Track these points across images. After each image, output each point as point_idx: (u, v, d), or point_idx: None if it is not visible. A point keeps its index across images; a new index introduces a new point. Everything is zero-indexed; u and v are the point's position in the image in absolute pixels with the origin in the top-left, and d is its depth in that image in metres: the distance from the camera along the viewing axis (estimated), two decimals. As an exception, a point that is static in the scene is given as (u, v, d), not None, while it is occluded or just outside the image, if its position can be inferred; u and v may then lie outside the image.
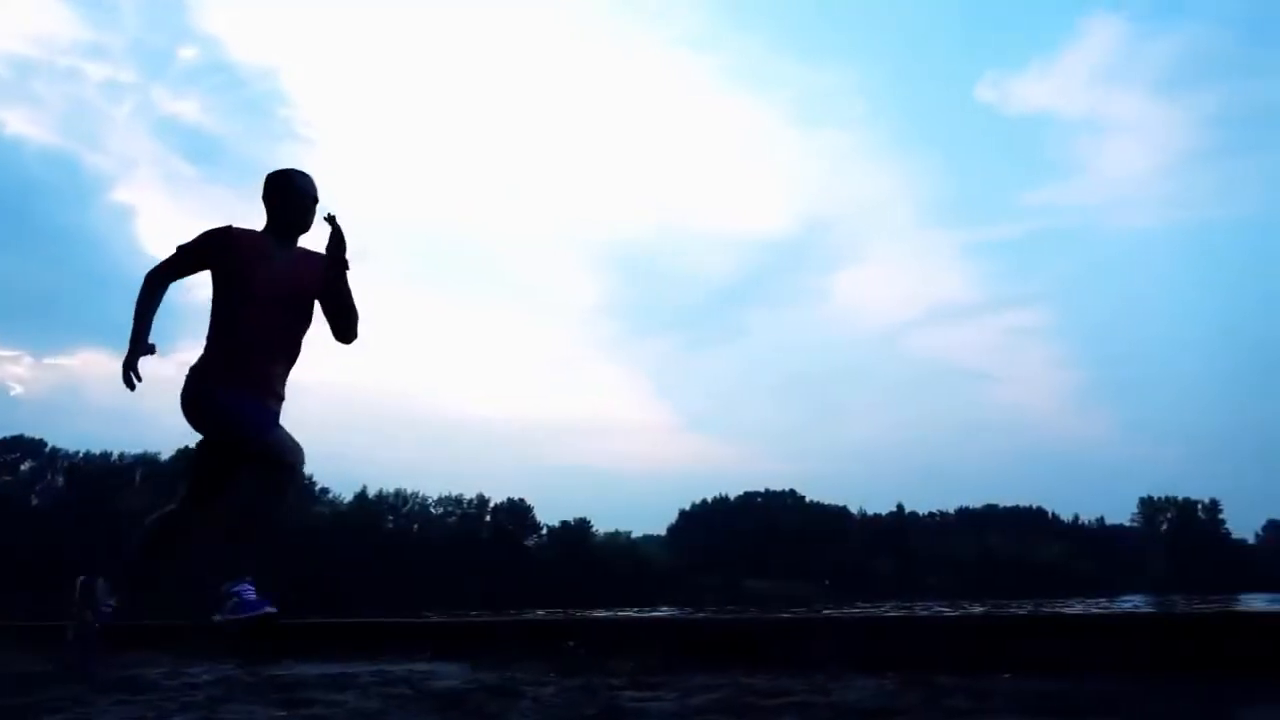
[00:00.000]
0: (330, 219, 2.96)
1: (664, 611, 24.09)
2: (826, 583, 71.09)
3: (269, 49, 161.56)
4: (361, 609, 24.86)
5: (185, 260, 2.97)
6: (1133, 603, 28.40)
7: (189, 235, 3.02)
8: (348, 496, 73.17)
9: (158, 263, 2.97)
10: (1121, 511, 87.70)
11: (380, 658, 3.01)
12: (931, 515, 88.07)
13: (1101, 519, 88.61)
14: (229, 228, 2.96)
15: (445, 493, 77.79)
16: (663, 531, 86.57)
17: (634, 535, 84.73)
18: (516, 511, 78.18)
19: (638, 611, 20.62)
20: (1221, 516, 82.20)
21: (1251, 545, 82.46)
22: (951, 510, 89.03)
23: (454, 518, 76.84)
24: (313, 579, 51.73)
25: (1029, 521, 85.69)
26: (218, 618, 2.84)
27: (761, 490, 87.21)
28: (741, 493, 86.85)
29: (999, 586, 61.01)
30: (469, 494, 77.62)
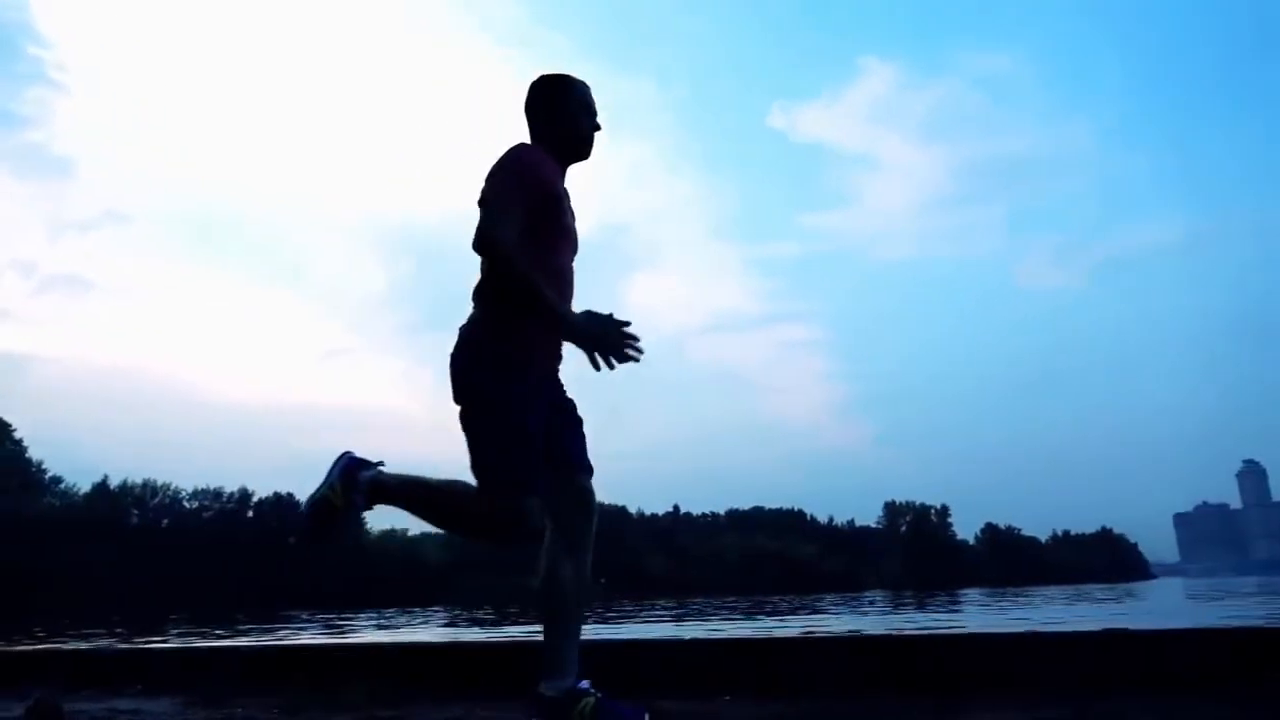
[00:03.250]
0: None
1: (436, 612, 23.54)
2: (603, 581, 72.56)
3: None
4: (95, 618, 22.34)
5: (522, 192, 2.06)
6: (872, 598, 31.44)
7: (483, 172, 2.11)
8: (85, 486, 65.68)
9: (492, 225, 2.00)
10: (869, 514, 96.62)
11: (81, 692, 2.71)
12: (704, 516, 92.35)
13: (852, 521, 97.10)
14: (538, 146, 2.20)
15: (202, 484, 71.81)
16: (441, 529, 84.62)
17: (411, 533, 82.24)
18: (284, 506, 73.39)
19: (404, 615, 20.00)
20: (950, 520, 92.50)
21: (971, 545, 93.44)
22: (722, 511, 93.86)
23: (211, 512, 70.96)
24: (39, 583, 45.91)
25: (790, 522, 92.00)
26: None
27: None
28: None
29: (762, 583, 65.15)
30: (230, 486, 72.12)
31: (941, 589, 50.76)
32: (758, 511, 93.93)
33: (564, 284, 2.16)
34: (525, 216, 2.05)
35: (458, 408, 2.07)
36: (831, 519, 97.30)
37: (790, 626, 10.78)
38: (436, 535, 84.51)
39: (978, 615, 12.22)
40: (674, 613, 18.24)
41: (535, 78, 2.28)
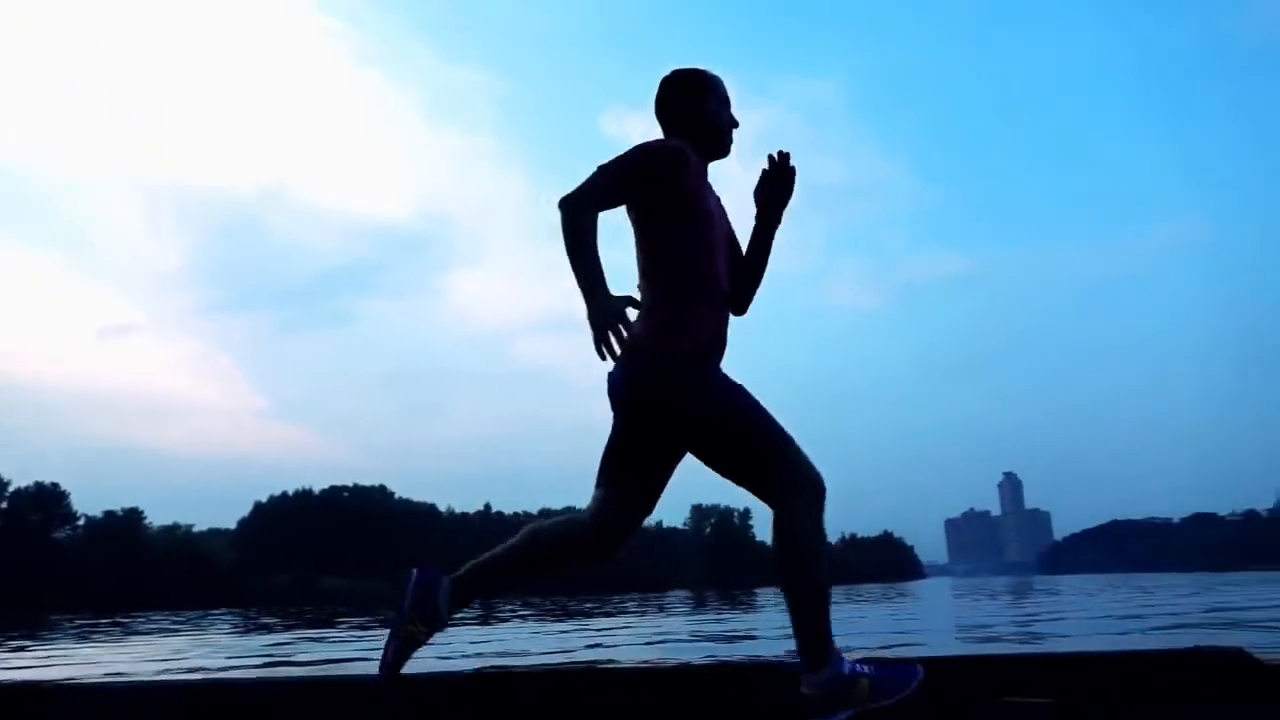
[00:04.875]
0: (784, 156, 2.20)
1: (220, 616, 21.87)
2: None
3: None
4: None
5: (625, 182, 2.00)
6: (679, 595, 32.51)
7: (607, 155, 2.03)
8: None
9: (577, 189, 1.95)
10: (676, 516, 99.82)
11: None
12: (516, 515, 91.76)
13: (660, 522, 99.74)
14: (683, 145, 2.08)
15: (-56, 472, 63.25)
16: (232, 525, 79.05)
17: (197, 529, 76.30)
18: (45, 498, 65.94)
19: (180, 618, 18.42)
20: (751, 523, 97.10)
21: (770, 546, 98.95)
22: (535, 510, 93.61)
23: (-47, 503, 62.58)
24: None
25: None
26: (846, 713, 1.84)
27: (349, 485, 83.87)
28: (327, 486, 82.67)
29: (570, 584, 65.56)
30: (-21, 475, 63.94)
31: (740, 589, 53.30)
32: (570, 511, 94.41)
33: (722, 287, 2.09)
34: (642, 201, 2.04)
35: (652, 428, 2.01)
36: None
37: (577, 635, 10.87)
38: (227, 531, 78.53)
39: (768, 617, 12.84)
40: (478, 614, 17.97)
41: (668, 72, 2.21)
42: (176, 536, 72.08)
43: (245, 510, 79.32)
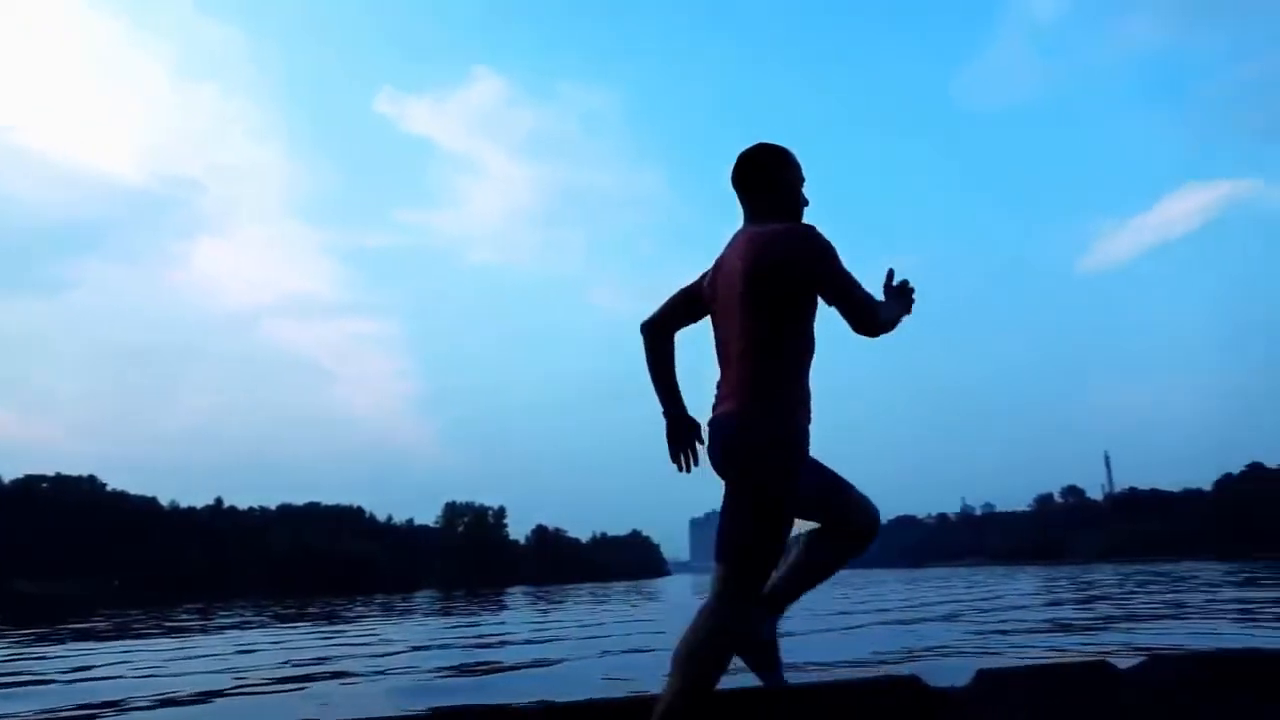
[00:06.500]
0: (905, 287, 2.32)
1: None
2: (116, 583, 63.29)
3: None
4: None
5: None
6: (428, 596, 31.82)
7: (824, 252, 2.10)
8: None
9: (868, 311, 2.08)
10: (429, 513, 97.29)
11: None
12: (252, 510, 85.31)
13: (411, 520, 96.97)
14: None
15: None
16: (-110, 519, 66.78)
17: None
18: None
19: None
20: (505, 521, 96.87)
21: (522, 545, 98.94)
22: (274, 506, 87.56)
23: None
24: None
25: (348, 519, 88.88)
26: None
27: (51, 474, 73.80)
28: (22, 475, 72.19)
29: (313, 583, 61.93)
30: None
31: (491, 588, 53.16)
32: (313, 507, 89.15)
33: (811, 348, 2.20)
34: (797, 298, 2.15)
35: (738, 486, 2.13)
36: (390, 517, 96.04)
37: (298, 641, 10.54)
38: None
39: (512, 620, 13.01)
40: (197, 622, 16.61)
41: (753, 149, 2.27)
42: None
43: (-90, 501, 67.27)
